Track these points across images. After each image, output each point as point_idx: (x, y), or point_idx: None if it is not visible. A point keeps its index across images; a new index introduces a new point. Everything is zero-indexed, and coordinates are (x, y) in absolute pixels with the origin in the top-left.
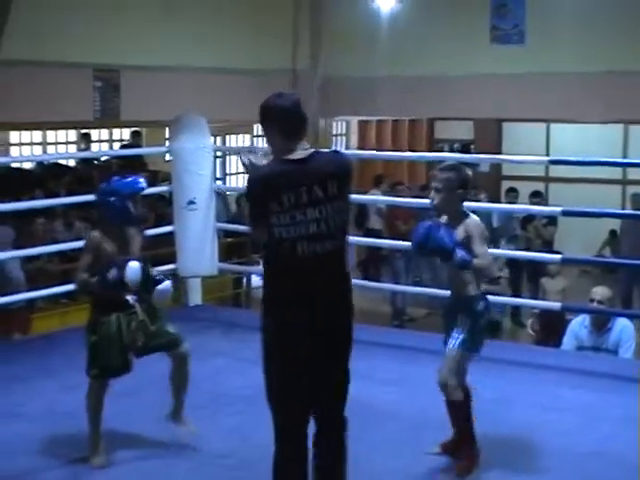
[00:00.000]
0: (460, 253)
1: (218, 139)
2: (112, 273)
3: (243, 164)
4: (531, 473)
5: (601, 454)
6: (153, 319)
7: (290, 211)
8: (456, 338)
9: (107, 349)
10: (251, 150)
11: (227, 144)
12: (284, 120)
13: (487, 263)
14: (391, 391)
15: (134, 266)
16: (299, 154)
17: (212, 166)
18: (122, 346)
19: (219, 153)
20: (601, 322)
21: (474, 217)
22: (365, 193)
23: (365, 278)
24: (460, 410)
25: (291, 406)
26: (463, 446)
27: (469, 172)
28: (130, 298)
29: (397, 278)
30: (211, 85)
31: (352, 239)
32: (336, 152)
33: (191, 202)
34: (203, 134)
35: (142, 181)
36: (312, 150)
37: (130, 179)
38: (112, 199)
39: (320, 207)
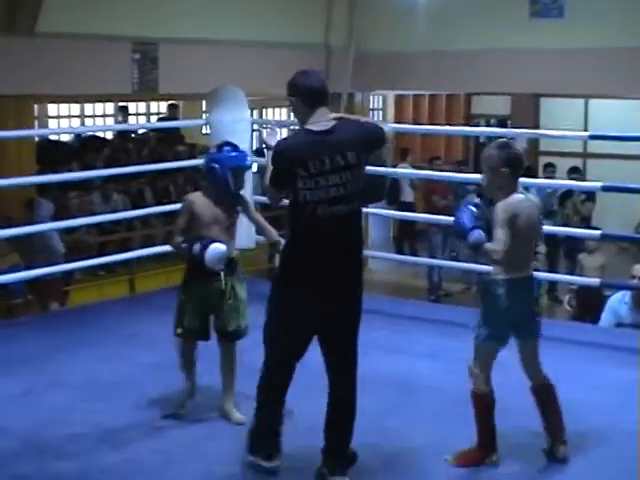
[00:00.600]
0: (474, 235)
1: (255, 112)
2: (195, 249)
3: (260, 138)
4: (572, 451)
5: None
6: (233, 296)
7: (315, 177)
8: (475, 327)
9: (189, 311)
10: (265, 124)
11: (264, 117)
12: (307, 94)
13: (495, 248)
14: (428, 366)
15: (217, 250)
16: (323, 125)
17: (250, 139)
18: (203, 311)
19: (256, 126)
20: None
21: (513, 197)
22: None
23: (399, 252)
24: (477, 401)
25: (290, 341)
26: (478, 436)
27: (518, 150)
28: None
29: (434, 253)
30: (248, 58)
31: (389, 212)
32: (362, 122)
33: None
34: (241, 106)
35: (249, 159)
36: (335, 121)
37: (239, 153)
38: (215, 166)
39: (341, 174)
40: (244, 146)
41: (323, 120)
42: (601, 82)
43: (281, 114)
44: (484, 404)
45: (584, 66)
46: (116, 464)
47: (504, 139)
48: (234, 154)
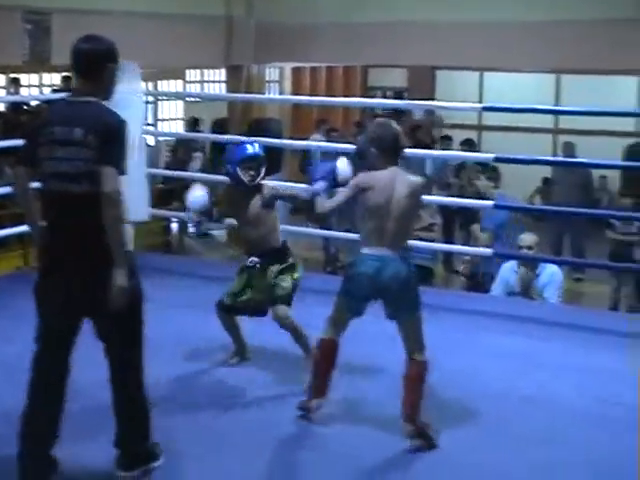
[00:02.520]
0: (316, 185)
1: (150, 84)
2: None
3: None
4: (471, 417)
5: (539, 399)
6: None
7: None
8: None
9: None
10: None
11: (159, 89)
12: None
13: (321, 203)
14: None
15: (196, 194)
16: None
17: (143, 111)
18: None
19: (151, 99)
20: (530, 268)
21: (374, 172)
22: (305, 139)
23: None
24: (319, 345)
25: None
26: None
27: (392, 129)
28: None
29: (329, 224)
30: (144, 30)
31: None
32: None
33: None
34: (134, 79)
35: (249, 147)
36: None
37: (239, 146)
38: (227, 167)
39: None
40: (136, 117)
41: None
42: (496, 55)
43: (176, 86)
44: (325, 348)
45: (479, 39)
46: None
47: (383, 119)
48: (236, 148)
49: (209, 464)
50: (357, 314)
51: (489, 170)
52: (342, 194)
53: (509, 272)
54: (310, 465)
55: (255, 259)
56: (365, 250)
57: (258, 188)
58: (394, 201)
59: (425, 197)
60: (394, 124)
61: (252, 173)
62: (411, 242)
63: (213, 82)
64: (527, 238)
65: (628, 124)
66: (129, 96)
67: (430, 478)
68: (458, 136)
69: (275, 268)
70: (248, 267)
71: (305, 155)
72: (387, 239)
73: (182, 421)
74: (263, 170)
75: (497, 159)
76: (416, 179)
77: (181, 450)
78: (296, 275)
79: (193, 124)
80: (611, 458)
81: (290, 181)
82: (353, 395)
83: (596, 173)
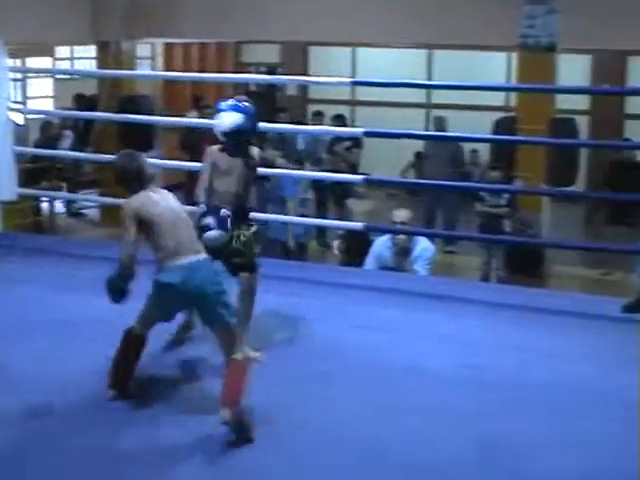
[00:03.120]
0: None
1: (18, 61)
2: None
3: None
4: (342, 388)
5: (415, 369)
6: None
7: None
8: None
9: None
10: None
11: (27, 66)
12: None
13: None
14: None
15: (214, 235)
16: None
17: (7, 88)
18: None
19: (19, 76)
20: (403, 242)
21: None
22: (178, 116)
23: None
24: (126, 336)
25: None
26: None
27: (131, 161)
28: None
29: None
30: (8, 4)
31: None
32: None
33: None
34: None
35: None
36: None
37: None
38: None
39: None
40: (2, 95)
41: None
42: (367, 31)
43: (45, 63)
44: (132, 343)
45: (351, 15)
46: None
47: (127, 151)
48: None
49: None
50: (169, 320)
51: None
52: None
53: (382, 247)
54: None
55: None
56: (170, 263)
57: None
58: (176, 211)
59: (298, 172)
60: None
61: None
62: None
63: (83, 59)
64: (401, 213)
65: (498, 99)
66: None
67: (306, 452)
68: (332, 112)
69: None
70: None
71: (186, 133)
72: (187, 246)
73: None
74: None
75: (367, 133)
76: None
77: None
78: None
79: (81, 102)
80: (484, 419)
81: (168, 159)
82: None
83: (467, 147)
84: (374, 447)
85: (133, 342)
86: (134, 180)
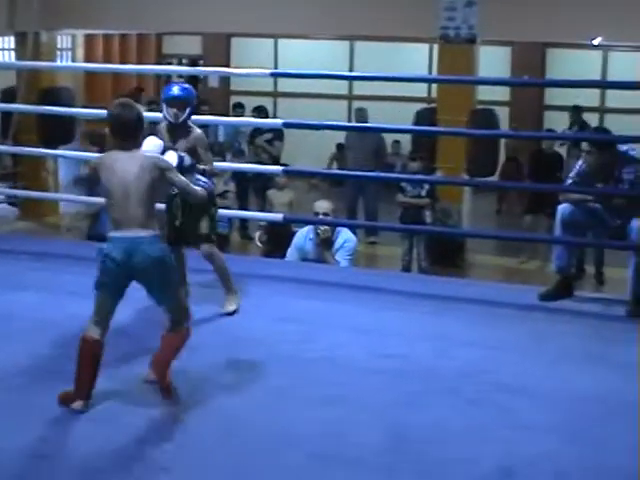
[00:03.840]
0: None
1: None
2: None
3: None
4: (261, 379)
5: (330, 359)
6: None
7: None
8: None
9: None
10: None
11: None
12: None
13: None
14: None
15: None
16: None
17: None
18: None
19: None
20: (324, 233)
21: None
22: (100, 108)
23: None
24: (83, 346)
25: None
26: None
27: (123, 112)
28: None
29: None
30: None
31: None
32: None
33: None
34: None
35: (174, 88)
36: None
37: (166, 87)
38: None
39: None
40: None
41: None
42: (287, 22)
43: None
44: (88, 350)
45: (271, 6)
46: None
47: (125, 99)
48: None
49: None
50: (118, 300)
51: None
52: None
53: (303, 239)
54: None
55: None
56: (114, 234)
57: (184, 128)
58: (129, 181)
59: (218, 164)
60: (134, 105)
61: (175, 111)
62: None
63: (1, 50)
64: (322, 204)
65: (420, 90)
66: None
67: (215, 439)
68: (254, 103)
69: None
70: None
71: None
72: (133, 220)
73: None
74: (188, 111)
75: (286, 124)
76: (149, 155)
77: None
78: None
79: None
80: (398, 410)
81: (86, 151)
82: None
83: (390, 138)
84: (285, 435)
85: (90, 348)
86: (131, 132)
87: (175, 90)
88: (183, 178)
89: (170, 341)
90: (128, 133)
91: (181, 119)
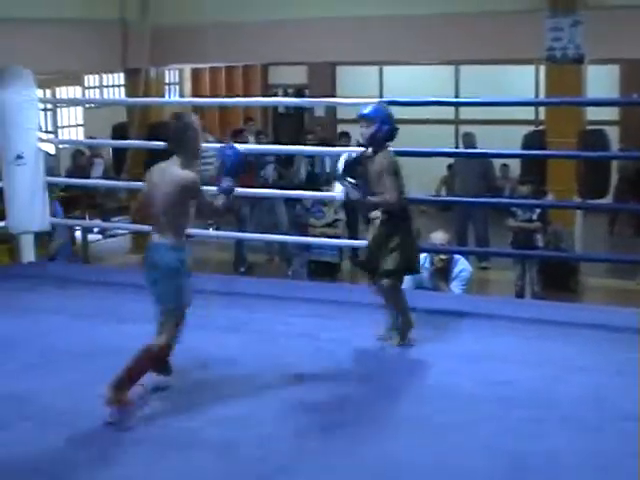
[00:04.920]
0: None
1: (48, 91)
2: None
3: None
4: (361, 406)
5: (439, 388)
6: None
7: None
8: None
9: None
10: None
11: (57, 96)
12: None
13: None
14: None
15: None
16: None
17: (37, 118)
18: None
19: (50, 106)
20: (441, 262)
21: None
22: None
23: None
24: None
25: None
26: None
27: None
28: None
29: (243, 226)
30: (37, 35)
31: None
32: None
33: (19, 157)
34: (28, 86)
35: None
36: None
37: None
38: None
39: None
40: (32, 125)
41: None
42: (393, 49)
43: (75, 92)
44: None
45: (376, 34)
46: None
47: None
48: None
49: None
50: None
51: None
52: None
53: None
54: None
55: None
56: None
57: (373, 149)
58: (155, 192)
59: (327, 194)
60: (186, 117)
61: (362, 130)
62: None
63: (112, 87)
64: (438, 236)
65: (527, 112)
66: (21, 102)
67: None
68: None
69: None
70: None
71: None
72: (155, 228)
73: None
74: (374, 129)
75: (395, 153)
76: (182, 174)
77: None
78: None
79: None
80: (511, 438)
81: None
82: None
83: (498, 162)
84: (399, 464)
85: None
86: (173, 141)
87: (363, 109)
88: (208, 199)
89: (137, 355)
90: (170, 141)
91: (365, 137)
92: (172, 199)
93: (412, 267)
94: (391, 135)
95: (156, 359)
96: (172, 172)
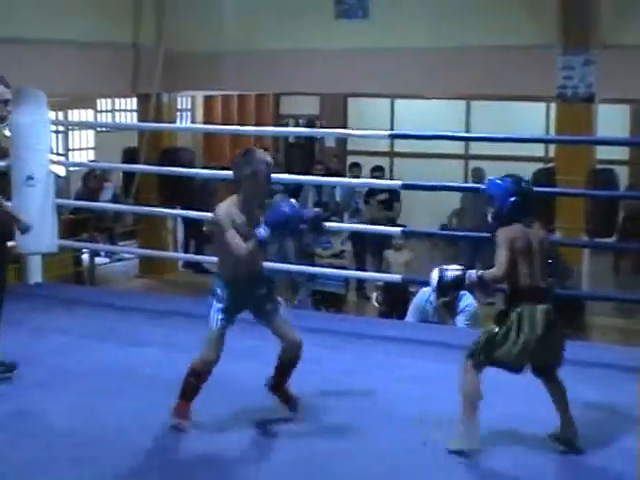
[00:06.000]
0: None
1: (60, 113)
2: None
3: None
4: (385, 438)
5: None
6: None
7: None
8: None
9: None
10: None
11: (70, 119)
12: None
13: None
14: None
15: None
16: None
17: (50, 140)
18: None
19: (61, 128)
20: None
21: None
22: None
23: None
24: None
25: None
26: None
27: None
28: None
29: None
30: (52, 58)
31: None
32: None
33: (30, 177)
34: (41, 107)
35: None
36: None
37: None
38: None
39: None
40: (44, 147)
41: None
42: (405, 82)
43: (87, 115)
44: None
45: (389, 67)
46: None
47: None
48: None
49: None
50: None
51: None
52: None
53: (424, 300)
54: None
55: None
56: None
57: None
58: None
59: (335, 224)
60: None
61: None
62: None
63: (124, 111)
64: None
65: (537, 149)
66: (33, 124)
67: None
68: (371, 163)
69: None
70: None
71: None
72: None
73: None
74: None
75: (405, 186)
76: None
77: None
78: None
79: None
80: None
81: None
82: None
83: None
84: None
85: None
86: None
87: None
88: (230, 238)
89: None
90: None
91: (489, 216)
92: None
93: None
94: (518, 207)
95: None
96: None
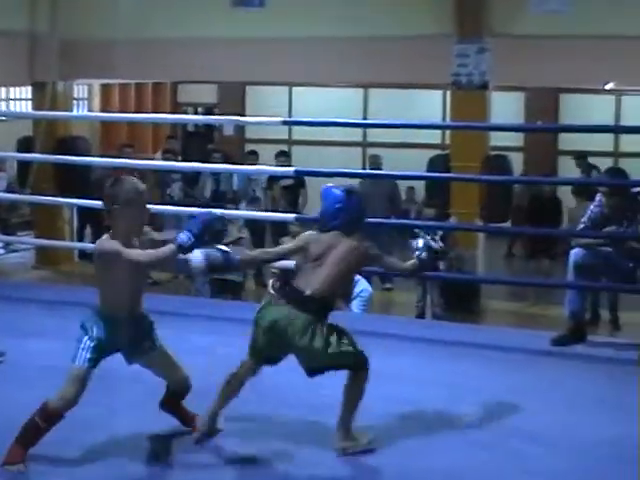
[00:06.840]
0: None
1: None
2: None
3: None
4: (267, 426)
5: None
6: None
7: None
8: None
9: None
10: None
11: None
12: None
13: None
14: None
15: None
16: None
17: None
18: None
19: None
20: None
21: None
22: (111, 156)
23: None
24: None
25: None
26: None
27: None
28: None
29: None
30: None
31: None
32: None
33: None
34: None
35: None
36: None
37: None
38: None
39: None
40: None
41: None
42: (302, 71)
43: None
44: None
45: (286, 55)
46: None
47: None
48: None
49: None
50: None
51: None
52: None
53: None
54: None
55: None
56: None
57: None
58: None
59: (232, 212)
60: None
61: None
62: None
63: (19, 100)
64: None
65: (433, 137)
66: None
67: None
68: (268, 151)
69: None
70: None
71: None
72: None
73: None
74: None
75: (297, 172)
76: None
77: None
78: None
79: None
80: (407, 454)
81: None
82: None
83: (404, 184)
84: None
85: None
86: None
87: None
88: (128, 254)
89: None
90: None
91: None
92: None
93: None
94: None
95: None
96: None
